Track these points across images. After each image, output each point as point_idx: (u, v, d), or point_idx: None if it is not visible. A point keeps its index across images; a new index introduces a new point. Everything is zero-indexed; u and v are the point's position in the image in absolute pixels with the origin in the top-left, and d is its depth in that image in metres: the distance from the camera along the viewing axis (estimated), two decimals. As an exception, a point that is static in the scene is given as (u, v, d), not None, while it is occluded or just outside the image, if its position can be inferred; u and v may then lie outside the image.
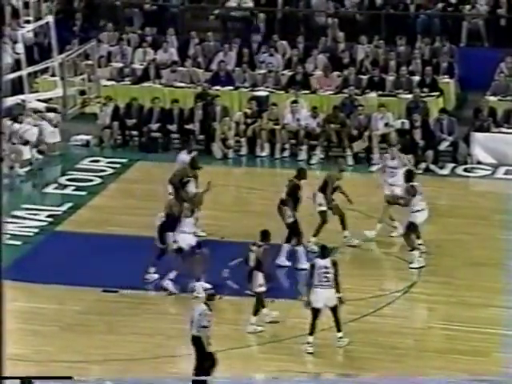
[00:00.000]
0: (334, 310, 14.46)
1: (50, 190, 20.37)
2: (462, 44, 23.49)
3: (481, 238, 17.47)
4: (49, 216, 19.00)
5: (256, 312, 14.90)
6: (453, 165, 20.99)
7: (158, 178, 20.79)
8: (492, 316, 15.23)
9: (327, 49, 23.55)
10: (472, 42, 23.49)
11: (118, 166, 21.29)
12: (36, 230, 18.37)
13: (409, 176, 16.88)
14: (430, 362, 14.30)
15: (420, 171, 20.15)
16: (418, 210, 16.67)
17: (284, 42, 23.72)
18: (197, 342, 13.32)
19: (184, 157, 18.36)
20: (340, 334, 14.53)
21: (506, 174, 20.55)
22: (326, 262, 14.45)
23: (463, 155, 21.13)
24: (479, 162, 20.90)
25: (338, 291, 14.37)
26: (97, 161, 21.53)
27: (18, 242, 17.55)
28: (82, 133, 22.31)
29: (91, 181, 20.56)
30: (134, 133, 22.41)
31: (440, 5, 23.90)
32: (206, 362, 13.24)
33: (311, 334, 14.36)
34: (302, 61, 23.32)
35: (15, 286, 15.07)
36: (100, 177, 20.74)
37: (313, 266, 14.49)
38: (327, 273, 14.35)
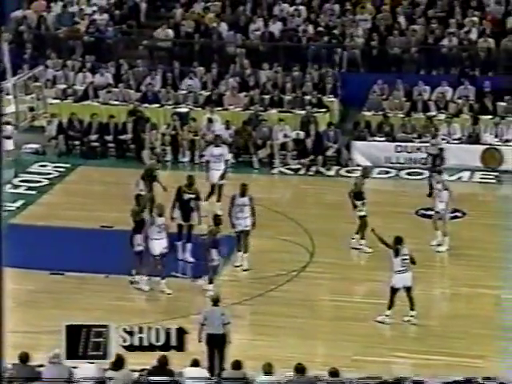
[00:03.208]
0: (409, 289, 14.07)
1: (5, 189, 19.90)
2: (343, 70, 23.55)
3: (361, 225, 17.51)
4: (5, 211, 18.51)
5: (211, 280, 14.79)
6: (337, 167, 21.02)
7: (96, 180, 20.58)
8: (371, 289, 15.20)
9: (236, 73, 23.41)
10: (351, 68, 23.54)
11: (62, 170, 20.83)
12: (-6, 223, 17.95)
13: None
14: (321, 328, 14.27)
15: (311, 173, 20.26)
16: None
17: (201, 68, 23.51)
18: (221, 339, 12.18)
19: (213, 150, 18.29)
20: (413, 313, 14.14)
21: (379, 173, 20.66)
22: (406, 249, 14.06)
23: (345, 159, 21.21)
24: (358, 165, 20.90)
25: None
26: (45, 165, 21.05)
27: (-21, 233, 17.12)
28: (32, 142, 21.79)
29: (40, 182, 20.12)
30: (76, 143, 21.96)
31: (326, 38, 24.02)
32: (224, 359, 12.06)
33: (390, 308, 14.10)
34: (215, 83, 23.15)
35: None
36: (48, 179, 20.30)
37: (397, 254, 14.02)
38: (406, 259, 14.05)
